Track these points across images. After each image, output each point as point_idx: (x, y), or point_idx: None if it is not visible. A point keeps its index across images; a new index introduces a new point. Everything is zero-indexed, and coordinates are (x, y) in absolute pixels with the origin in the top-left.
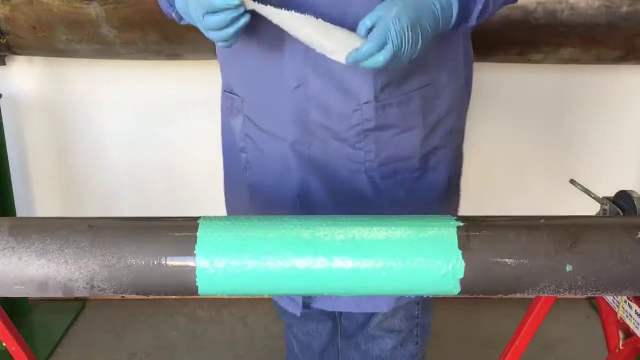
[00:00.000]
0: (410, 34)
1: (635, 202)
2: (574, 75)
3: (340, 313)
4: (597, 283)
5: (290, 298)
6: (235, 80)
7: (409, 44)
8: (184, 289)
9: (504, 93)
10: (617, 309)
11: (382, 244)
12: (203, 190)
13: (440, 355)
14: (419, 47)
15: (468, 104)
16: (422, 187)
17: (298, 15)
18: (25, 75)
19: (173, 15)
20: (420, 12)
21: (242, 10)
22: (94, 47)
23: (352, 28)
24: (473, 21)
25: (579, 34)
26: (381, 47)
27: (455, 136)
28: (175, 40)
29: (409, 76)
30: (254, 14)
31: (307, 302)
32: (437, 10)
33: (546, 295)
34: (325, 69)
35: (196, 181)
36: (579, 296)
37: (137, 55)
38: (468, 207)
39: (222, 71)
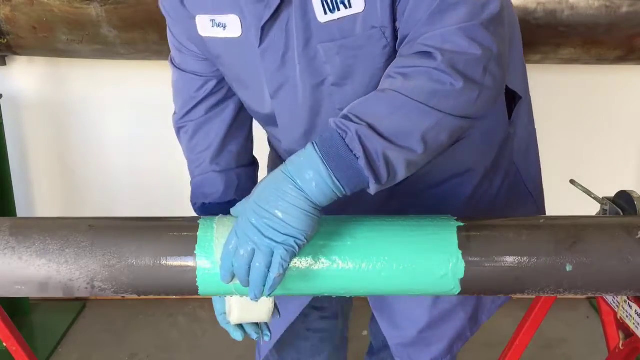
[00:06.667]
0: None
1: (635, 202)
2: (574, 75)
3: (346, 337)
4: (597, 283)
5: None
6: None
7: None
8: (184, 289)
9: None
10: (617, 309)
11: (382, 244)
12: None
13: None
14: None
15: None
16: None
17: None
18: (26, 75)
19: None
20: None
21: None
22: (95, 47)
23: None
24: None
25: (579, 33)
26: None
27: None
28: None
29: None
30: None
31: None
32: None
33: (546, 295)
34: None
35: None
36: (579, 296)
37: (138, 55)
38: None
39: None
